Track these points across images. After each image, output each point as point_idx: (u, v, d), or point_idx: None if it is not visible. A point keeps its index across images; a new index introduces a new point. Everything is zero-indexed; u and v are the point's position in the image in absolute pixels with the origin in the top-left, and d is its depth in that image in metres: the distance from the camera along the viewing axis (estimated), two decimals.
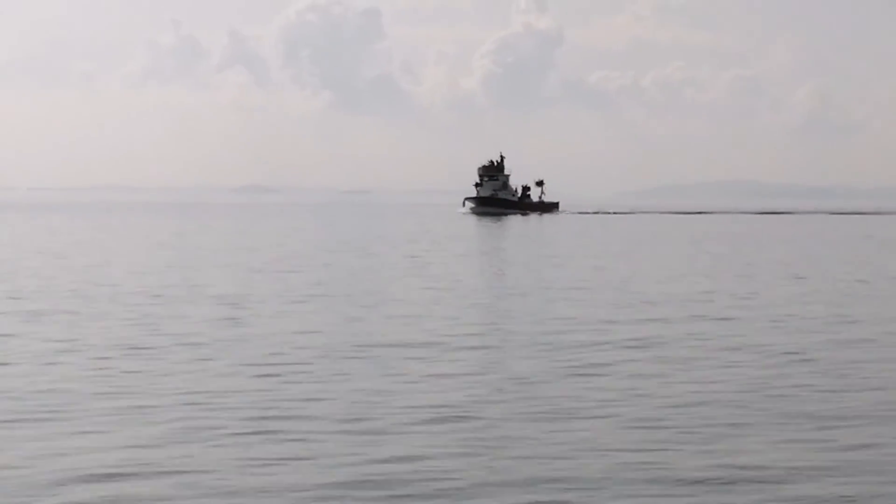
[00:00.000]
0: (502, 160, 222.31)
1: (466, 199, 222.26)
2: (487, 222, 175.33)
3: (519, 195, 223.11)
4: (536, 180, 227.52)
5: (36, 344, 33.81)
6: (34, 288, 52.40)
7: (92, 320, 39.86)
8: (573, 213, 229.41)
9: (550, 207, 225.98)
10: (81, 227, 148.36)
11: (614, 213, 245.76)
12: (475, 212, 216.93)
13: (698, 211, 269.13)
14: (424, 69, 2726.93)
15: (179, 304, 45.72)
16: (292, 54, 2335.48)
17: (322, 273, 64.54)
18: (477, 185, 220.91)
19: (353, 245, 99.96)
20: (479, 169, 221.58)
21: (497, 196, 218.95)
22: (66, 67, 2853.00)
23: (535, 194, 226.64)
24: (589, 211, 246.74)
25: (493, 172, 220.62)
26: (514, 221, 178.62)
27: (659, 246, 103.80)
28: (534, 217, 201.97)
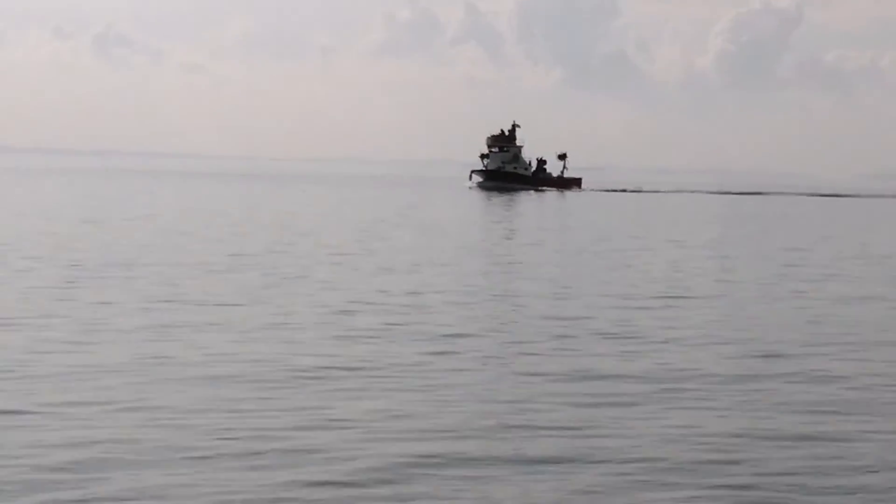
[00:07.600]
0: (514, 129, 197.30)
1: (473, 171, 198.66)
2: (492, 198, 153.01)
3: (533, 169, 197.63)
4: (559, 153, 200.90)
5: None
6: None
7: None
8: (598, 190, 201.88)
9: (570, 184, 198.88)
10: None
11: (646, 191, 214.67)
12: (482, 186, 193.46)
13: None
14: (659, 47, 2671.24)
15: None
16: (526, 30, 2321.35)
17: None
18: (483, 156, 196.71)
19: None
20: (488, 139, 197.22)
21: (504, 169, 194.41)
22: (304, 41, 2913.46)
23: (556, 169, 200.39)
24: (617, 189, 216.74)
25: (502, 143, 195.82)
26: (520, 198, 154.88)
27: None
28: (551, 194, 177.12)
